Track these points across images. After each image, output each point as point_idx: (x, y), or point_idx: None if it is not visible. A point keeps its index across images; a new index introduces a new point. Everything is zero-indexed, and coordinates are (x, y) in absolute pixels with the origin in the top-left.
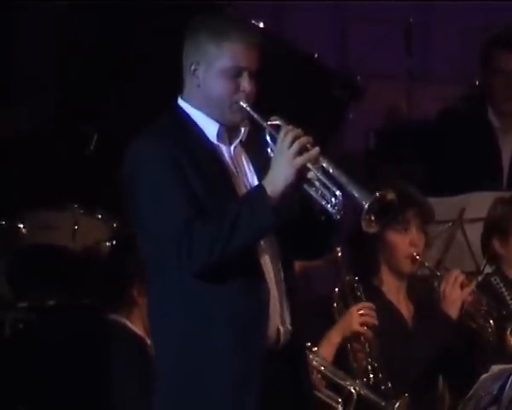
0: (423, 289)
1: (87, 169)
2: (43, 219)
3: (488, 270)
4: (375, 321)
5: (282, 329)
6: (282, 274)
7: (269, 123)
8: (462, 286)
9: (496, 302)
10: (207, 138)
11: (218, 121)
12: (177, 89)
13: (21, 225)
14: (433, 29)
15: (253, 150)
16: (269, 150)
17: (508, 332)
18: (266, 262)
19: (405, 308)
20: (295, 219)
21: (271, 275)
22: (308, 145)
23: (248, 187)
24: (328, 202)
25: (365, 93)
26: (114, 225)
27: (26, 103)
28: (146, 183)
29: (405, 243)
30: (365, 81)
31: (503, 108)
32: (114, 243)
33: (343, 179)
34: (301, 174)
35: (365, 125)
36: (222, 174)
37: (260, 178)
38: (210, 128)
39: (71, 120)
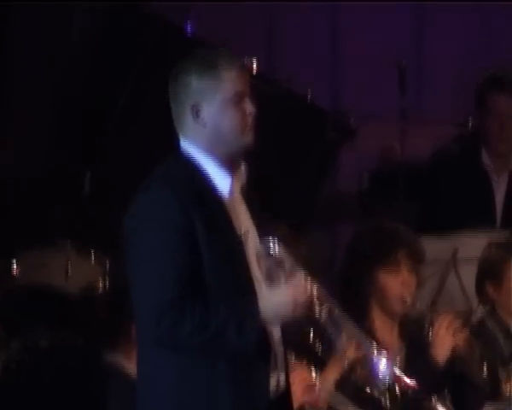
0: (416, 329)
1: (80, 208)
2: (35, 258)
3: (481, 309)
4: None
5: (279, 378)
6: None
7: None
8: (456, 332)
9: (489, 346)
10: (216, 190)
11: (230, 155)
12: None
13: (14, 264)
14: (426, 69)
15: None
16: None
17: (502, 379)
18: None
19: (397, 349)
20: None
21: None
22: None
23: (242, 233)
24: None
25: (358, 134)
26: (108, 264)
27: (19, 141)
28: (148, 245)
29: (396, 284)
30: (358, 121)
31: (497, 148)
32: (108, 282)
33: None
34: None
35: (358, 166)
36: (230, 232)
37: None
38: (222, 183)
39: (64, 159)
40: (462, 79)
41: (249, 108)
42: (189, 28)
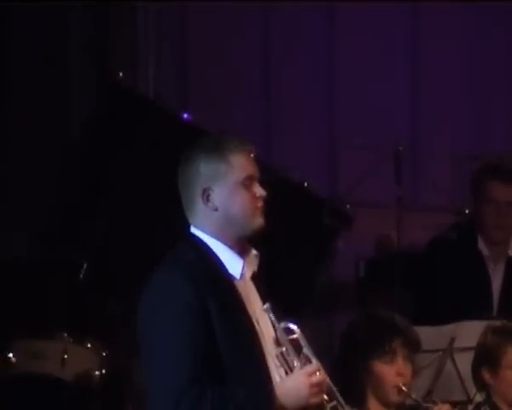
0: None
1: (77, 298)
2: (32, 348)
3: (479, 398)
4: None
5: None
6: None
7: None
8: None
9: None
10: (228, 273)
11: (240, 239)
12: (169, 210)
13: (10, 354)
14: (422, 157)
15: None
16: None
17: None
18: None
19: None
20: None
21: None
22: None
23: (260, 319)
24: None
25: (354, 221)
26: (104, 354)
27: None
28: (159, 329)
29: (392, 373)
30: (354, 209)
31: (493, 237)
32: (104, 371)
33: None
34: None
35: (355, 254)
36: (243, 313)
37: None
38: (233, 264)
39: (60, 249)
40: (458, 168)
41: (259, 191)
42: (185, 116)
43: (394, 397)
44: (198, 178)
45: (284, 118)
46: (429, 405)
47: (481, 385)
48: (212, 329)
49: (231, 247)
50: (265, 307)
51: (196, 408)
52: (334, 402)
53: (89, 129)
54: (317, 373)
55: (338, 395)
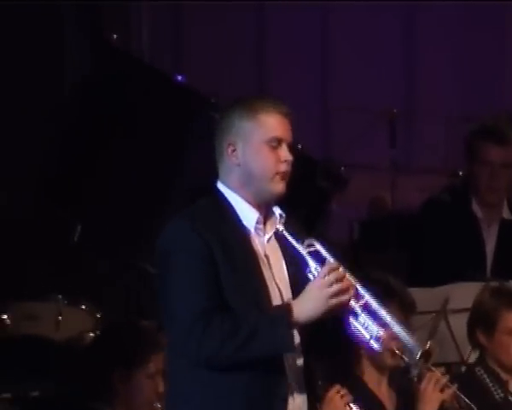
0: (406, 380)
1: (71, 260)
2: (27, 310)
3: (473, 359)
4: None
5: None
6: (301, 363)
7: (306, 248)
8: (443, 388)
9: (481, 393)
10: (243, 226)
11: (258, 199)
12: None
13: (5, 316)
14: (416, 119)
15: (285, 244)
16: (311, 272)
17: None
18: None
19: (387, 399)
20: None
21: (291, 364)
22: (348, 288)
23: (278, 281)
24: (370, 336)
25: (349, 184)
26: (98, 315)
27: (9, 189)
28: (175, 270)
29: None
30: (349, 172)
31: (487, 198)
32: (98, 333)
33: (389, 320)
34: (338, 309)
35: (349, 216)
36: (254, 265)
37: (290, 273)
38: (249, 217)
39: (55, 211)
40: (452, 130)
41: (285, 155)
42: (179, 78)
43: (388, 360)
44: (228, 132)
45: (278, 80)
46: (422, 369)
47: (476, 344)
48: (217, 275)
49: (251, 204)
50: (280, 227)
51: (206, 333)
52: (364, 301)
53: (82, 89)
54: (336, 272)
55: (368, 293)
